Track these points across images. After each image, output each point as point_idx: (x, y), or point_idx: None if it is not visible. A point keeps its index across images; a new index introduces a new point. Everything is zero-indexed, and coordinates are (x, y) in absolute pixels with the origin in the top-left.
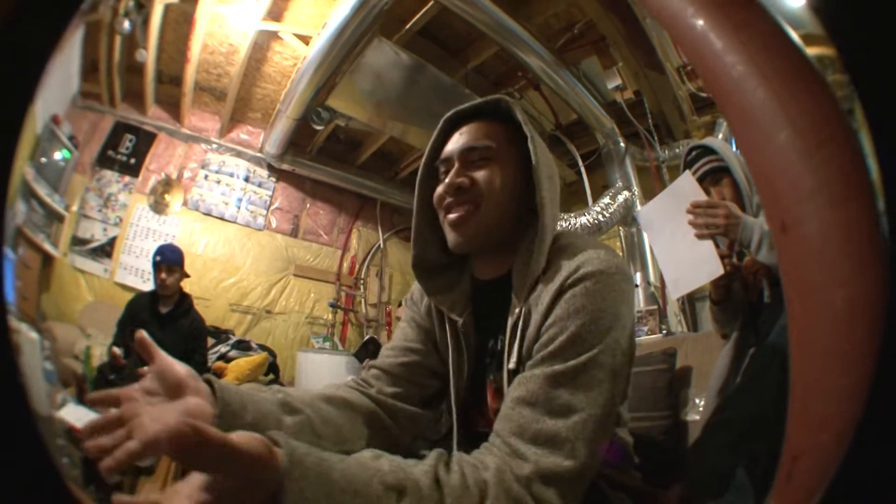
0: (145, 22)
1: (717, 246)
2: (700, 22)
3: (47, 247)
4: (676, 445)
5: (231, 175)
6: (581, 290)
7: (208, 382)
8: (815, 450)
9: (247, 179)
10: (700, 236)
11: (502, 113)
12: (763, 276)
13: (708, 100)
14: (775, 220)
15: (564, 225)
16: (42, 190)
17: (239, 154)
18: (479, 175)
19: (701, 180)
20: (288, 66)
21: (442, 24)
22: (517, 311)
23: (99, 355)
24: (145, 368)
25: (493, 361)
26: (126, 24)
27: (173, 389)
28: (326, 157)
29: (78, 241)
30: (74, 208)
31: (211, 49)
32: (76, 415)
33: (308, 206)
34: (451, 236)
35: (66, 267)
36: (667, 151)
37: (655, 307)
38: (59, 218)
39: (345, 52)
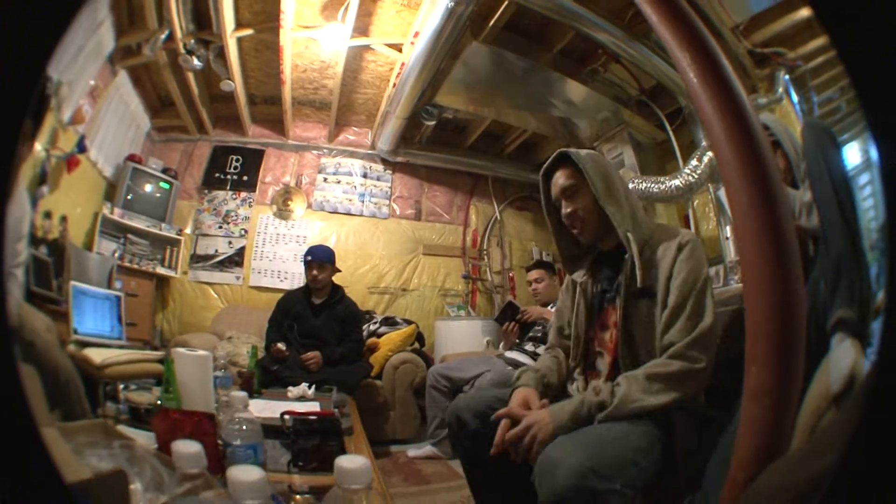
0: (219, 55)
1: None
2: None
3: (161, 271)
4: None
5: (349, 174)
6: (690, 247)
7: None
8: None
9: (365, 176)
10: None
11: (567, 158)
12: (806, 238)
13: (764, 55)
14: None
15: (662, 187)
16: (141, 223)
17: (351, 154)
18: (578, 204)
19: None
20: (384, 71)
21: (521, 17)
22: (629, 263)
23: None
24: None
25: (613, 294)
26: (195, 62)
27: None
28: (436, 144)
29: (200, 259)
30: (187, 231)
31: (303, 68)
32: (257, 408)
33: (426, 190)
34: (580, 239)
35: (187, 284)
36: None
37: None
38: (173, 243)
39: (442, 56)
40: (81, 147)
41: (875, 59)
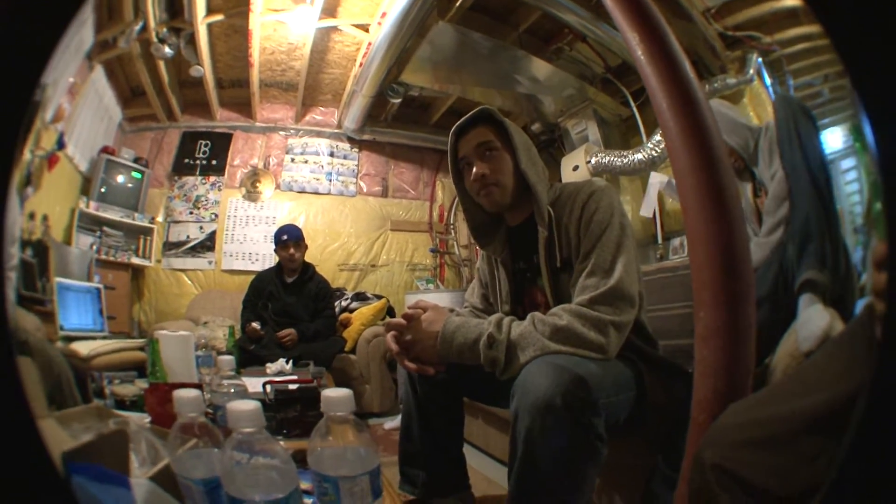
0: (190, 42)
1: None
2: None
3: (136, 261)
4: None
5: (316, 154)
6: (592, 200)
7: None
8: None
9: (331, 155)
10: None
11: (489, 117)
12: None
13: (736, 38)
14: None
15: (624, 161)
16: (115, 215)
17: (318, 134)
18: (491, 164)
19: None
20: (351, 51)
21: None
22: (545, 235)
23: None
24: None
25: (532, 274)
26: (167, 50)
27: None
28: (401, 121)
29: (172, 246)
30: (159, 219)
31: (271, 50)
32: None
33: (392, 167)
34: (485, 205)
35: (161, 272)
36: (706, 86)
37: None
38: (146, 232)
39: (408, 36)
40: (61, 144)
41: (871, 46)
